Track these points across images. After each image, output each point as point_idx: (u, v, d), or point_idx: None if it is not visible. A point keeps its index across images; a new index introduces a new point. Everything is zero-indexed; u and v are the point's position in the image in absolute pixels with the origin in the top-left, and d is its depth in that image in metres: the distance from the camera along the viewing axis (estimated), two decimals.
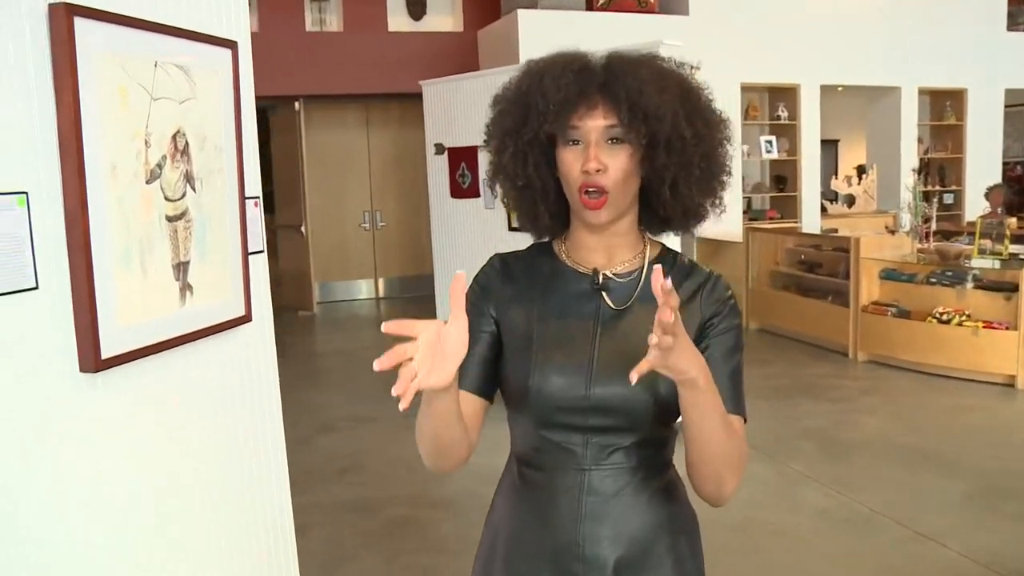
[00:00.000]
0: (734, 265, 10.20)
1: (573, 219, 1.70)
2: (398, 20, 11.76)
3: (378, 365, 1.22)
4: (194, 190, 2.39)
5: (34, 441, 1.98)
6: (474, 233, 7.34)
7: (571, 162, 1.59)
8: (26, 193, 1.94)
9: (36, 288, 1.96)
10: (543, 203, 1.69)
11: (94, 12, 2.04)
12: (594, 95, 1.58)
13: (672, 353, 1.32)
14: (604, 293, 1.66)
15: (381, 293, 12.78)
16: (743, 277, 10.13)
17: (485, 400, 1.69)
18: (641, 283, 1.66)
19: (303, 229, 11.71)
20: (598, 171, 1.56)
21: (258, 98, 2.81)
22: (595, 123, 1.57)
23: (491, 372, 1.69)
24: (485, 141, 1.75)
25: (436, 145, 7.64)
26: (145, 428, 2.29)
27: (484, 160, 7.14)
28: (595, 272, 1.67)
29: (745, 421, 1.64)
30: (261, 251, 2.78)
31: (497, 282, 1.72)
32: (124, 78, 2.14)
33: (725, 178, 1.69)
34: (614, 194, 1.59)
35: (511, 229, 6.87)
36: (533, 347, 1.64)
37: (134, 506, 2.26)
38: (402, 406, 1.22)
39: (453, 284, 1.31)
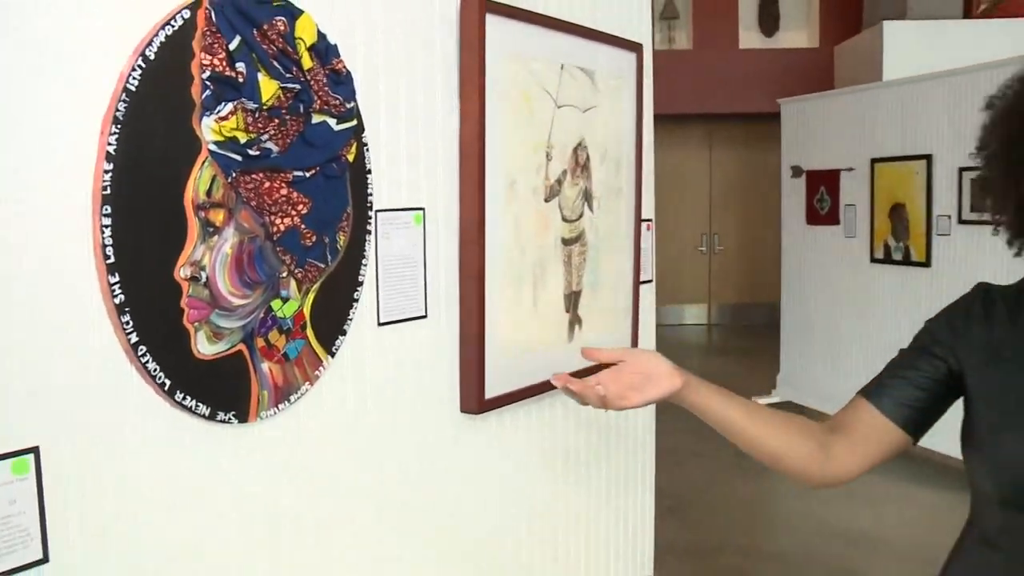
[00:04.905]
0: None
1: None
2: (750, 37, 11.27)
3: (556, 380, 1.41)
4: (591, 210, 2.11)
5: (411, 480, 1.77)
6: (830, 263, 6.77)
7: None
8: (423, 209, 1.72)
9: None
10: None
11: (505, 8, 1.80)
12: None
13: None
14: None
15: (712, 320, 12.31)
16: None
17: (902, 433, 1.44)
18: None
19: None
20: None
21: None
22: None
23: (918, 411, 1.44)
24: (976, 149, 1.43)
25: (793, 168, 7.12)
26: (520, 473, 2.04)
27: (846, 184, 6.59)
28: None
29: None
30: (650, 280, 2.47)
31: (974, 323, 1.42)
32: (530, 82, 1.89)
33: None
34: None
35: (873, 260, 6.27)
36: (1007, 410, 1.35)
37: (502, 549, 2.02)
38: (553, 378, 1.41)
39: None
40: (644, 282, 2.40)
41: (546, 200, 1.95)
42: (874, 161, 6.32)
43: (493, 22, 1.77)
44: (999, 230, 1.44)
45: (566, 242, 2.04)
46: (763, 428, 1.43)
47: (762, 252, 10.95)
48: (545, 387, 2.00)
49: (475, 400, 1.81)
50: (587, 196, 2.09)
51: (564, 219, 2.02)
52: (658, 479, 6.04)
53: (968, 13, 9.37)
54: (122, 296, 1.22)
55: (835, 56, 10.68)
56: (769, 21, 11.31)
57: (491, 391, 1.84)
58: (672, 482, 5.96)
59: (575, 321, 2.10)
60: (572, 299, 2.08)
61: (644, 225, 2.37)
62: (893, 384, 1.45)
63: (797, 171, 7.09)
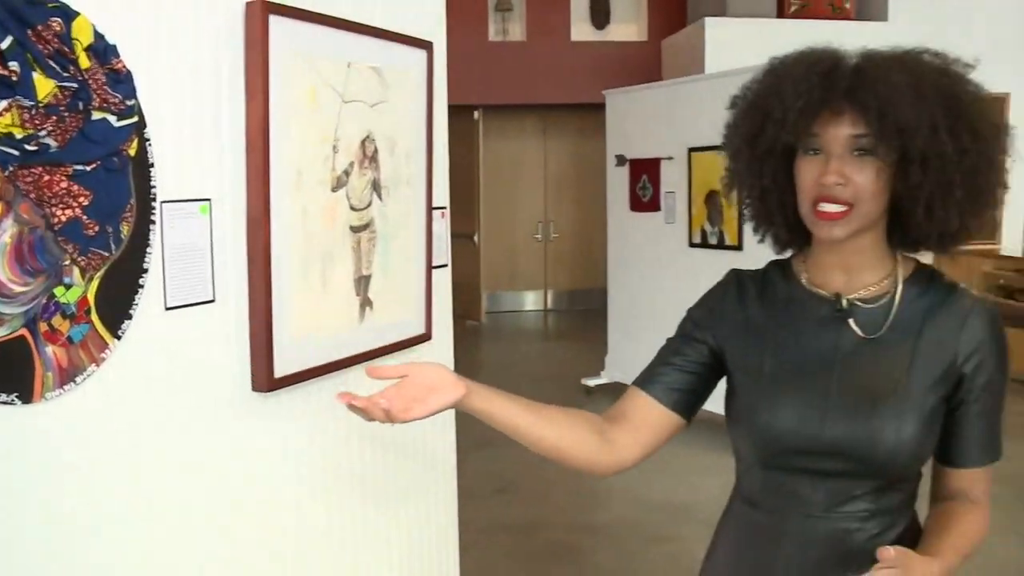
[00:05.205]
0: None
1: (814, 236, 1.52)
2: (581, 29, 11.58)
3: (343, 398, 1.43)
4: (380, 199, 2.25)
5: (203, 459, 1.87)
6: (652, 248, 7.08)
7: (807, 172, 1.43)
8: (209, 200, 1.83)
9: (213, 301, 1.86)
10: (779, 215, 1.53)
11: (289, 10, 1.92)
12: (839, 101, 1.40)
13: None
14: (851, 320, 1.49)
15: (550, 305, 12.62)
16: None
17: (675, 416, 1.59)
18: (895, 308, 1.49)
19: (476, 238, 11.65)
20: (838, 184, 1.40)
21: None
22: (839, 132, 1.40)
23: (688, 393, 1.59)
24: (723, 144, 1.59)
25: (617, 156, 7.41)
26: (315, 449, 2.16)
27: (666, 173, 6.89)
28: (837, 297, 1.50)
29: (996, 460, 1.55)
30: (445, 265, 2.62)
31: (729, 305, 1.60)
32: (315, 79, 2.01)
33: (997, 196, 1.47)
34: (856, 211, 1.42)
35: (692, 245, 6.61)
36: (762, 380, 1.52)
37: (301, 526, 2.14)
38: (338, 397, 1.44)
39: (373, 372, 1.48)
40: (438, 267, 2.55)
41: (333, 190, 2.09)
42: (691, 150, 6.63)
43: (277, 22, 1.89)
44: (746, 217, 1.62)
45: (355, 229, 2.17)
46: (546, 427, 1.50)
47: (595, 239, 11.27)
48: (338, 366, 2.14)
49: (264, 378, 1.93)
50: (376, 186, 2.23)
51: (352, 208, 2.15)
52: (488, 462, 6.26)
53: (782, 12, 9.91)
54: None
55: (662, 50, 11.08)
56: (600, 14, 11.63)
57: (281, 370, 1.96)
58: (502, 464, 6.15)
59: (366, 303, 2.23)
60: (362, 283, 2.21)
61: (438, 213, 2.53)
62: (662, 372, 1.60)
63: (621, 160, 7.37)
